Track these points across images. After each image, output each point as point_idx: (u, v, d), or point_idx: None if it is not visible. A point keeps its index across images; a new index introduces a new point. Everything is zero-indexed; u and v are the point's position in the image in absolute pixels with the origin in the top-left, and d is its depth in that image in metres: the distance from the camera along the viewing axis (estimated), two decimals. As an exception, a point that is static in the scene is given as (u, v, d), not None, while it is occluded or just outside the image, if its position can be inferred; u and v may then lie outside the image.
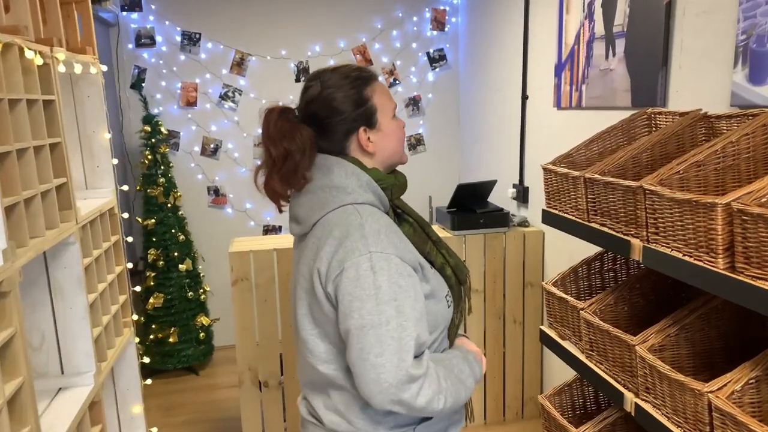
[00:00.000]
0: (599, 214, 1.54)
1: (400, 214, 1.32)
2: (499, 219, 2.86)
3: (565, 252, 2.68)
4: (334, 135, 1.27)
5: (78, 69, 1.85)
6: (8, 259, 1.25)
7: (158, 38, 3.70)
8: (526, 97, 3.02)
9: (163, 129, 3.60)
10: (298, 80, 3.88)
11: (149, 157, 3.52)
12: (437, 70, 4.05)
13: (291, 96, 3.88)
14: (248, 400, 2.72)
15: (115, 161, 2.18)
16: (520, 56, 3.03)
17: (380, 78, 1.35)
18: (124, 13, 3.64)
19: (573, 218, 1.65)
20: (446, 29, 4.01)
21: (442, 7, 3.97)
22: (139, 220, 3.59)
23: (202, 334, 3.66)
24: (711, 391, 1.13)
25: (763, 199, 1.05)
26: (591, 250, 2.24)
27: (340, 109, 1.24)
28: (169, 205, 3.57)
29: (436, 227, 2.96)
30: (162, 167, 3.56)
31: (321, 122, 1.26)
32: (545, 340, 1.88)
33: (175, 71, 3.75)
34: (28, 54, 1.44)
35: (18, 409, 1.28)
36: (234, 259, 2.60)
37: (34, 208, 1.46)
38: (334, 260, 1.15)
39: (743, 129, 1.29)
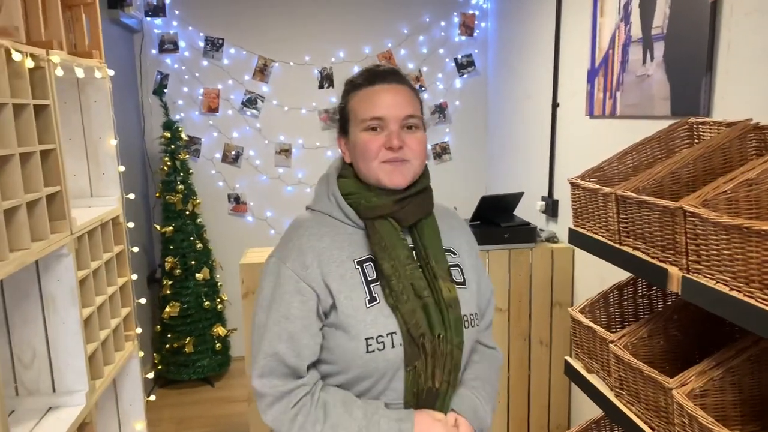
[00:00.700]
0: (632, 237, 1.37)
1: (372, 236, 1.15)
2: (526, 234, 2.69)
3: (597, 271, 2.50)
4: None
5: (80, 73, 1.77)
6: (-22, 275, 1.16)
7: (181, 44, 3.65)
8: (557, 105, 2.86)
9: (183, 135, 3.54)
10: (321, 87, 3.79)
11: (168, 163, 3.47)
12: (465, 76, 3.91)
13: (314, 103, 3.79)
14: (257, 417, 2.60)
15: (122, 168, 2.10)
16: (551, 62, 2.87)
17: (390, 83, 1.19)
18: (148, 18, 3.60)
19: (602, 239, 1.48)
20: (475, 34, 3.86)
21: (471, 12, 3.83)
22: (158, 227, 3.53)
23: (218, 345, 3.58)
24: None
25: (829, 228, 0.88)
26: (625, 272, 2.07)
27: (336, 111, 1.25)
28: (187, 212, 3.50)
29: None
30: (181, 174, 3.49)
31: None
32: (570, 372, 1.71)
33: (197, 77, 3.70)
34: (16, 56, 1.35)
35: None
36: (245, 271, 2.50)
37: (17, 219, 1.37)
38: None
39: (802, 143, 1.12)
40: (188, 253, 3.48)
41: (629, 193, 1.34)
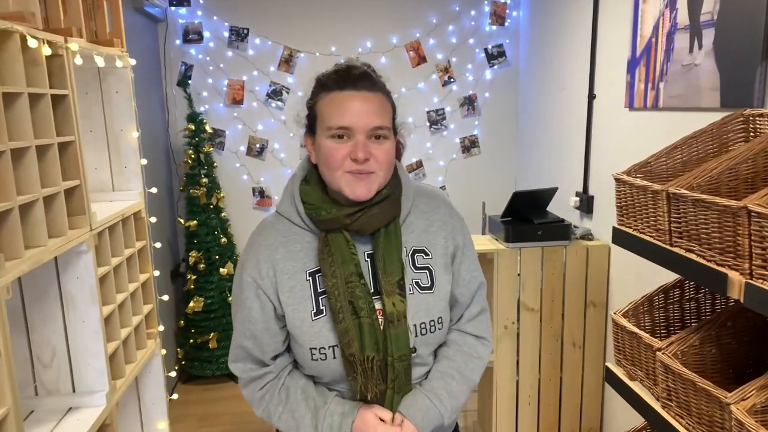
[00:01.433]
0: (685, 238, 1.27)
1: (321, 250, 1.16)
2: (560, 231, 2.58)
3: (635, 270, 2.38)
4: None
5: (100, 62, 1.71)
6: (-9, 274, 1.10)
7: (206, 34, 3.60)
8: (593, 97, 2.73)
9: (207, 127, 3.49)
10: (347, 78, 3.69)
11: (192, 156, 3.42)
12: (495, 67, 3.79)
13: (339, 94, 3.70)
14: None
15: (144, 161, 2.05)
16: (587, 51, 2.74)
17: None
18: (172, 8, 3.55)
19: (651, 240, 1.38)
20: (506, 24, 3.73)
21: (502, 1, 3.70)
22: (181, 221, 3.49)
23: (242, 340, 3.53)
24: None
25: None
26: (666, 270, 1.96)
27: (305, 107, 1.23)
28: (211, 206, 3.46)
29: (487, 238, 2.72)
30: (205, 167, 3.45)
31: None
32: (611, 379, 1.61)
33: (222, 68, 3.64)
34: (32, 43, 1.29)
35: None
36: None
37: (34, 215, 1.32)
38: None
39: None
40: (212, 248, 3.44)
41: (683, 191, 1.24)
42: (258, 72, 3.66)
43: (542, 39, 3.39)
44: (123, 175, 2.01)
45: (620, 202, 1.52)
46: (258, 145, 3.75)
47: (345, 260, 1.14)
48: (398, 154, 1.28)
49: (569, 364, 2.69)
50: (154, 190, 2.20)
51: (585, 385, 2.71)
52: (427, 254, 1.24)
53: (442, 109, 3.80)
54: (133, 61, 1.96)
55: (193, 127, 3.41)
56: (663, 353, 1.33)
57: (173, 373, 2.47)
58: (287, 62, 3.67)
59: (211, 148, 3.52)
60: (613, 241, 1.54)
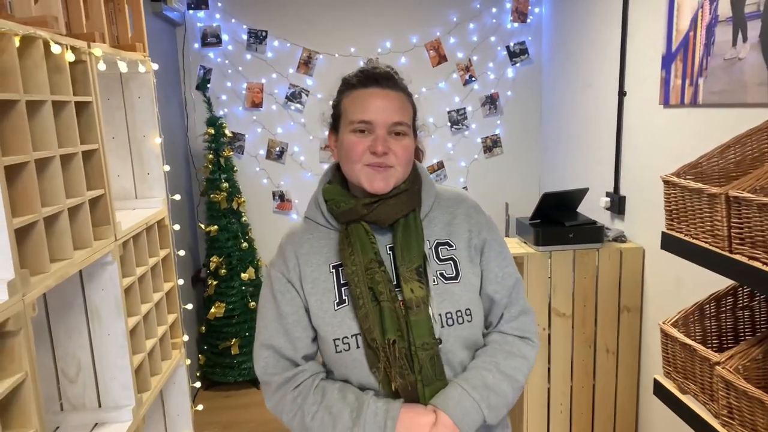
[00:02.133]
0: (747, 244, 1.19)
1: (341, 242, 1.19)
2: (592, 233, 2.49)
3: (672, 273, 2.29)
4: None
5: (123, 67, 1.66)
6: (17, 292, 1.05)
7: (224, 37, 3.55)
8: (624, 94, 2.64)
9: (227, 131, 3.45)
10: (367, 79, 3.63)
11: (212, 160, 3.38)
12: (518, 65, 3.70)
13: (359, 95, 3.64)
14: (308, 427, 2.49)
15: (167, 168, 2.00)
16: (617, 47, 2.65)
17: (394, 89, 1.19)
18: (191, 11, 3.51)
19: (707, 246, 1.30)
20: (528, 20, 3.65)
21: (524, -3, 3.62)
22: (202, 226, 3.45)
23: (263, 347, 3.48)
24: None
25: None
26: (705, 272, 1.88)
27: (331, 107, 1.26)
28: (232, 211, 3.41)
29: (515, 241, 2.64)
30: (225, 172, 3.40)
31: None
32: (660, 392, 1.53)
33: (240, 71, 3.59)
34: (55, 49, 1.24)
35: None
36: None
37: (59, 227, 1.27)
38: None
39: None
40: (233, 253, 3.39)
41: (746, 194, 1.16)
42: (277, 74, 3.61)
43: (566, 35, 3.30)
44: (146, 182, 1.96)
45: (670, 206, 1.44)
46: (277, 149, 3.69)
47: (364, 249, 1.16)
48: (417, 157, 1.31)
49: (602, 371, 2.60)
50: (177, 197, 2.15)
51: (619, 393, 2.63)
52: (450, 245, 1.23)
53: (464, 108, 3.73)
54: (155, 66, 1.91)
55: (212, 131, 3.37)
56: (723, 368, 1.25)
57: (198, 384, 2.42)
58: (306, 64, 3.61)
59: (231, 153, 3.48)
60: (662, 247, 1.46)
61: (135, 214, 1.83)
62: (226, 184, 3.37)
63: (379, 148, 1.14)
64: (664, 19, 2.26)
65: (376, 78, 1.19)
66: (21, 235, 1.13)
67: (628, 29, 2.58)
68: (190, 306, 2.26)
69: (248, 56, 3.58)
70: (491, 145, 3.80)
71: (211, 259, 3.37)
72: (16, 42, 1.12)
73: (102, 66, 1.50)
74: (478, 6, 3.62)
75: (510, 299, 1.26)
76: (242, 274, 3.39)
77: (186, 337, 2.08)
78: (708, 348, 1.40)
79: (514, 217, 2.78)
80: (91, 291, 1.53)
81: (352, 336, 1.15)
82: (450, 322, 1.17)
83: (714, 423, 1.32)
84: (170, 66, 3.40)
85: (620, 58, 2.63)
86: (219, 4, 3.51)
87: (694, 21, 2.08)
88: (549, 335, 2.53)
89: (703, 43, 2.03)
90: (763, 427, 1.16)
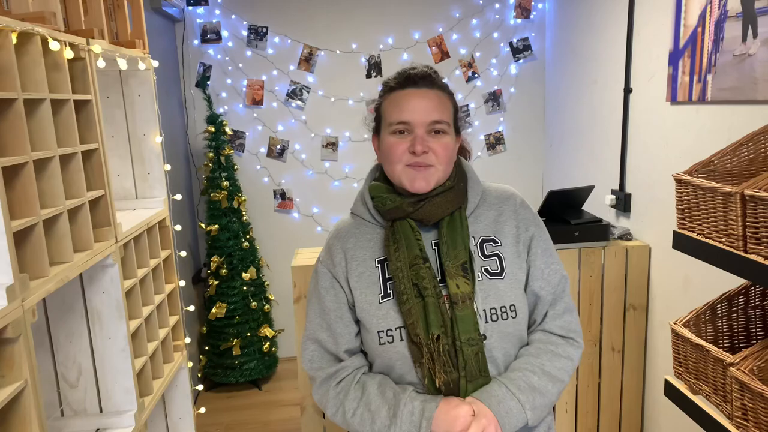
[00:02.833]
0: (763, 244, 1.16)
1: (387, 238, 1.21)
2: (598, 231, 2.47)
3: (679, 272, 2.26)
4: None
5: (123, 64, 1.63)
6: (16, 297, 1.02)
7: (224, 33, 3.51)
8: (630, 90, 2.61)
9: (227, 129, 3.41)
10: (369, 76, 3.60)
11: (212, 159, 3.35)
12: (521, 61, 3.67)
13: (362, 93, 3.62)
14: (310, 429, 2.47)
15: (168, 167, 1.97)
16: (622, 43, 2.62)
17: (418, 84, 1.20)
18: (190, 7, 3.47)
19: (721, 246, 1.27)
20: (532, 16, 3.61)
21: (527, -8, 3.59)
22: (202, 225, 3.42)
23: (265, 346, 3.46)
24: None
25: None
26: (714, 270, 1.85)
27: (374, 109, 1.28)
28: (233, 210, 3.38)
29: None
30: (226, 170, 3.37)
31: None
32: (672, 394, 1.50)
33: (241, 68, 3.56)
34: (53, 46, 1.21)
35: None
36: (297, 273, 2.35)
37: (58, 229, 1.24)
38: None
39: None
40: (234, 252, 3.36)
41: (762, 193, 1.13)
42: (278, 71, 3.58)
43: (570, 31, 3.26)
44: (146, 182, 1.93)
45: (681, 205, 1.41)
46: (278, 147, 3.66)
47: (410, 245, 1.17)
48: (463, 155, 1.32)
49: (608, 369, 2.58)
50: (178, 197, 2.12)
51: (624, 391, 2.60)
52: (496, 242, 1.23)
53: (466, 105, 3.69)
54: (155, 63, 1.88)
55: (212, 129, 3.34)
56: (738, 369, 1.23)
57: (200, 386, 2.39)
58: (307, 61, 3.58)
59: (231, 151, 3.44)
60: (674, 246, 1.43)
61: (136, 215, 1.80)
62: (226, 183, 3.34)
63: (418, 148, 1.15)
64: (672, 15, 2.22)
65: (413, 79, 1.19)
66: (20, 239, 1.10)
67: (635, 25, 2.54)
68: (192, 308, 2.24)
69: (248, 53, 3.55)
70: (494, 143, 3.77)
71: (211, 259, 3.34)
72: (13, 38, 1.09)
73: (101, 63, 1.47)
74: (481, 2, 3.58)
75: (555, 296, 1.26)
76: (243, 274, 3.36)
77: (188, 339, 2.06)
78: (719, 348, 1.37)
79: (518, 215, 2.75)
80: (92, 294, 1.50)
81: (396, 328, 1.16)
82: (494, 317, 1.17)
83: (727, 424, 1.29)
84: (170, 63, 3.37)
85: (626, 54, 2.60)
86: (219, 0, 3.48)
87: (702, 16, 2.05)
88: (554, 334, 2.51)
89: (712, 39, 2.00)
90: (780, 431, 1.14)
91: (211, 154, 3.35)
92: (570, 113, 3.33)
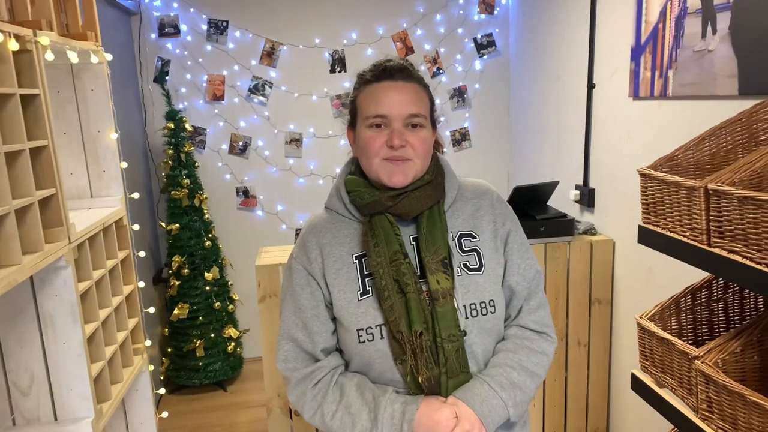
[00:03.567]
0: (726, 238, 1.17)
1: (365, 233, 1.19)
2: (563, 226, 2.49)
3: (642, 265, 2.30)
4: None
5: (74, 57, 1.56)
6: (-44, 303, 0.95)
7: (183, 27, 3.42)
8: (593, 86, 2.64)
9: (187, 126, 3.33)
10: (333, 71, 3.56)
11: (172, 156, 3.25)
12: (485, 57, 3.68)
13: (325, 88, 3.57)
14: (277, 430, 2.43)
15: (124, 165, 1.89)
16: (585, 39, 2.64)
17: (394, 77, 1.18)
18: (146, 0, 3.37)
19: (685, 240, 1.28)
20: (496, 12, 3.63)
21: (490, -12, 3.59)
22: (162, 224, 3.33)
23: (230, 347, 3.39)
24: None
25: None
26: (676, 264, 1.88)
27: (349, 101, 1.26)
28: (194, 208, 3.29)
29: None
30: (186, 167, 3.28)
31: None
32: (638, 387, 1.52)
33: (200, 63, 3.47)
34: (-4, 37, 1.14)
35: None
36: (261, 273, 2.30)
37: (5, 230, 1.17)
38: None
39: None
40: (196, 252, 3.28)
41: (726, 187, 1.14)
42: (239, 66, 3.50)
43: (534, 27, 3.28)
44: (102, 180, 1.86)
45: (646, 199, 1.42)
46: (241, 143, 3.59)
47: (389, 240, 1.15)
48: (437, 149, 1.30)
49: (574, 363, 2.60)
50: (136, 195, 2.04)
51: (591, 385, 2.63)
52: (474, 237, 1.23)
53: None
54: (109, 57, 1.81)
55: (172, 126, 3.25)
56: (702, 362, 1.24)
57: (162, 390, 2.32)
58: (269, 55, 3.51)
59: (192, 148, 3.36)
60: (639, 241, 1.44)
61: (90, 214, 1.72)
62: (187, 181, 3.26)
63: (396, 142, 1.13)
64: (633, 11, 2.25)
65: (389, 71, 1.18)
66: (-39, 241, 1.04)
67: (597, 21, 2.57)
68: (152, 309, 2.16)
69: (209, 47, 3.47)
70: (460, 139, 3.78)
71: (173, 259, 3.26)
72: (-48, 29, 1.02)
73: (50, 56, 1.40)
74: (445, -3, 3.57)
75: (530, 291, 1.27)
76: (206, 274, 3.29)
77: (148, 342, 1.99)
78: (684, 341, 1.39)
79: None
80: (44, 298, 1.43)
81: (376, 326, 1.14)
82: (474, 313, 1.17)
83: (692, 417, 1.31)
84: (125, 57, 3.26)
85: (589, 51, 2.62)
86: (177, -7, 3.38)
87: (663, 13, 2.07)
88: (521, 329, 2.52)
89: (673, 35, 2.03)
90: (743, 420, 1.15)
91: (170, 151, 3.26)
92: (534, 109, 3.35)
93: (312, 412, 1.18)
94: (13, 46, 1.22)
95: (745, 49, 1.71)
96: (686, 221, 1.28)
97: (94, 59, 1.71)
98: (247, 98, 3.54)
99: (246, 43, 3.49)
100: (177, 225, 3.25)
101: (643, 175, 1.41)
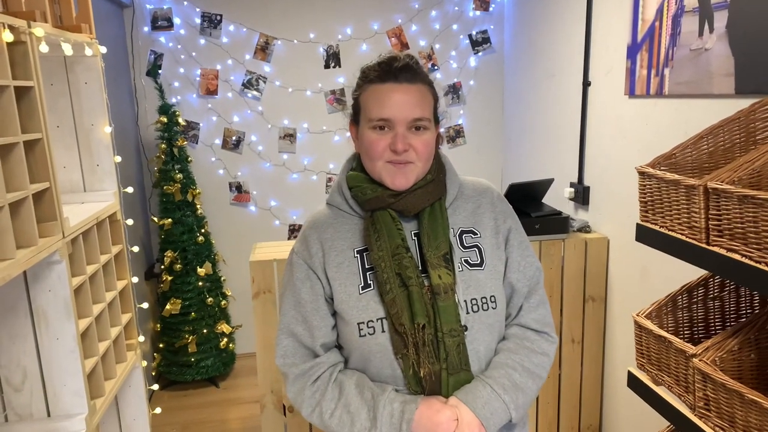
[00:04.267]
0: (725, 236, 1.17)
1: (367, 227, 1.18)
2: (558, 224, 2.49)
3: (636, 263, 2.30)
4: None
5: (68, 50, 1.54)
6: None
7: (176, 20, 3.39)
8: (588, 84, 2.64)
9: (180, 120, 3.29)
10: (327, 66, 3.54)
11: (165, 150, 3.23)
12: (480, 54, 3.67)
13: (320, 84, 3.55)
14: (271, 427, 2.42)
15: (118, 159, 1.87)
16: (581, 36, 2.64)
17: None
18: (139, -7, 3.33)
19: (683, 238, 1.28)
20: (491, 9, 3.62)
21: (486, -15, 3.59)
22: (155, 219, 3.30)
23: (222, 342, 3.37)
24: None
25: None
26: (670, 262, 1.88)
27: (351, 97, 1.24)
28: (186, 203, 3.27)
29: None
30: (179, 162, 3.26)
31: None
32: (634, 385, 1.52)
33: (194, 57, 3.44)
34: (-9, 27, 1.12)
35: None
36: (255, 268, 2.28)
37: (-1, 224, 1.15)
38: None
39: None
40: (188, 247, 3.26)
41: (726, 186, 1.14)
42: (233, 60, 3.48)
43: (529, 24, 3.28)
44: (95, 174, 1.84)
45: (645, 197, 1.42)
46: (234, 138, 3.57)
47: (391, 235, 1.15)
48: (436, 143, 1.27)
49: (568, 360, 2.61)
50: (129, 189, 2.02)
51: (584, 381, 2.64)
52: (475, 233, 1.23)
53: (426, 98, 3.67)
54: (103, 49, 1.78)
55: (165, 120, 3.22)
56: (700, 360, 1.24)
57: (156, 386, 2.31)
58: (263, 50, 3.49)
59: (185, 142, 3.33)
60: (637, 239, 1.44)
61: (84, 209, 1.70)
62: (180, 175, 3.23)
63: (399, 146, 1.13)
64: (630, 9, 2.25)
65: (394, 72, 1.16)
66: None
67: (593, 19, 2.57)
68: (145, 305, 2.15)
69: (202, 41, 3.44)
70: (454, 135, 3.77)
71: (165, 254, 3.23)
72: (-55, 18, 1.00)
73: (44, 48, 1.38)
74: (440, -7, 3.56)
75: (530, 288, 1.27)
76: (199, 269, 3.27)
77: (141, 338, 1.97)
78: (681, 338, 1.39)
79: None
80: (37, 293, 1.41)
81: (377, 320, 1.14)
82: (475, 308, 1.16)
83: (689, 414, 1.31)
84: (118, 50, 3.23)
85: (584, 48, 2.62)
86: (171, -14, 3.35)
87: (660, 11, 2.07)
88: (515, 326, 2.52)
89: (669, 34, 2.03)
90: (741, 418, 1.16)
91: (163, 146, 3.23)
92: (529, 106, 3.35)
93: (310, 410, 1.17)
94: (8, 37, 1.20)
95: (742, 48, 1.71)
96: (685, 219, 1.28)
97: (88, 52, 1.69)
98: (241, 93, 3.52)
99: (240, 38, 3.46)
100: (169, 220, 3.22)
101: (641, 173, 1.41)
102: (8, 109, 1.22)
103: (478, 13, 3.61)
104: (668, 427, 1.58)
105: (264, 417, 2.41)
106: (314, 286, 1.20)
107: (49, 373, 1.47)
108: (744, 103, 1.45)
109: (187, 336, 3.25)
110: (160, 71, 3.40)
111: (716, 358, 1.24)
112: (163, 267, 3.25)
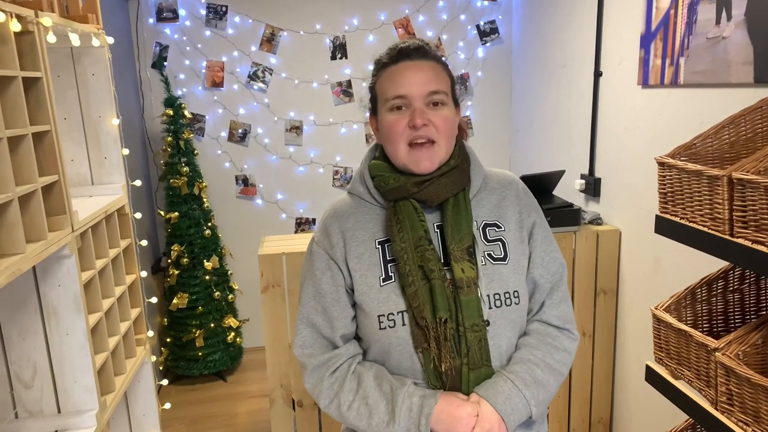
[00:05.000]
0: (750, 227, 1.14)
1: (389, 218, 1.16)
2: (569, 216, 2.46)
3: (649, 256, 2.28)
4: None
5: (75, 40, 1.51)
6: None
7: (181, 12, 3.36)
8: (600, 74, 2.60)
9: (186, 112, 3.27)
10: (334, 58, 3.51)
11: (171, 143, 3.20)
12: (488, 44, 3.63)
13: (326, 75, 3.52)
14: (280, 421, 2.40)
15: (126, 151, 1.85)
16: (592, 26, 2.60)
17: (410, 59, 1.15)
18: (144, -16, 3.30)
19: (705, 230, 1.25)
20: (499, -1, 3.58)
21: (494, -26, 3.54)
22: (161, 213, 3.28)
23: (230, 336, 3.36)
24: None
25: None
26: (683, 254, 1.85)
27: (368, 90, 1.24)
28: (193, 196, 3.25)
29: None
30: (185, 155, 3.23)
31: None
32: (653, 379, 1.49)
33: (199, 48, 3.41)
34: (-2, 16, 1.09)
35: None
36: (264, 262, 2.26)
37: (8, 218, 1.13)
38: None
39: None
40: (195, 241, 3.24)
41: (751, 176, 1.11)
42: (238, 52, 3.45)
43: (538, 14, 3.24)
44: (103, 167, 1.82)
45: (664, 188, 1.39)
46: (240, 131, 3.54)
47: (414, 226, 1.13)
48: (461, 136, 1.25)
49: (579, 353, 2.59)
50: (138, 182, 2.00)
51: (595, 374, 2.62)
52: (499, 227, 1.20)
53: (433, 89, 3.63)
54: (110, 40, 1.76)
55: (171, 113, 3.19)
56: (723, 354, 1.22)
57: (165, 381, 2.29)
58: (269, 41, 3.45)
59: (191, 135, 3.31)
60: (657, 231, 1.42)
61: (92, 202, 1.68)
62: (186, 168, 3.21)
63: (418, 121, 1.10)
64: (643, -3, 2.21)
65: (406, 52, 1.15)
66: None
67: (605, 7, 2.52)
68: (154, 300, 2.13)
69: (207, 33, 3.40)
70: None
71: (172, 248, 3.21)
72: (-48, 7, 0.98)
73: (52, 38, 1.35)
74: (447, -17, 3.52)
75: (553, 284, 1.24)
76: (206, 263, 3.25)
77: (151, 333, 1.95)
78: (699, 332, 1.36)
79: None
80: (47, 288, 1.39)
81: (398, 312, 1.12)
82: (498, 303, 1.14)
83: (710, 409, 1.29)
84: (123, 42, 3.20)
85: (596, 38, 2.58)
86: (175, -22, 3.32)
87: (674, -2, 2.03)
88: (526, 320, 2.50)
89: (685, 22, 1.99)
90: (765, 413, 1.13)
91: (169, 139, 3.21)
92: (538, 98, 3.31)
93: (328, 401, 1.16)
94: (15, 26, 1.18)
95: (761, 36, 1.68)
96: (707, 211, 1.25)
97: (95, 42, 1.66)
98: (247, 85, 3.49)
99: (246, 29, 3.43)
100: (176, 213, 3.20)
101: (661, 164, 1.38)
102: (16, 101, 1.20)
103: (485, 3, 3.57)
104: (687, 421, 1.56)
105: (273, 411, 2.39)
106: (335, 276, 1.18)
107: (59, 369, 1.45)
108: (763, 92, 1.42)
109: (194, 330, 3.24)
110: (165, 63, 3.37)
111: (739, 352, 1.22)
112: (169, 261, 3.24)
